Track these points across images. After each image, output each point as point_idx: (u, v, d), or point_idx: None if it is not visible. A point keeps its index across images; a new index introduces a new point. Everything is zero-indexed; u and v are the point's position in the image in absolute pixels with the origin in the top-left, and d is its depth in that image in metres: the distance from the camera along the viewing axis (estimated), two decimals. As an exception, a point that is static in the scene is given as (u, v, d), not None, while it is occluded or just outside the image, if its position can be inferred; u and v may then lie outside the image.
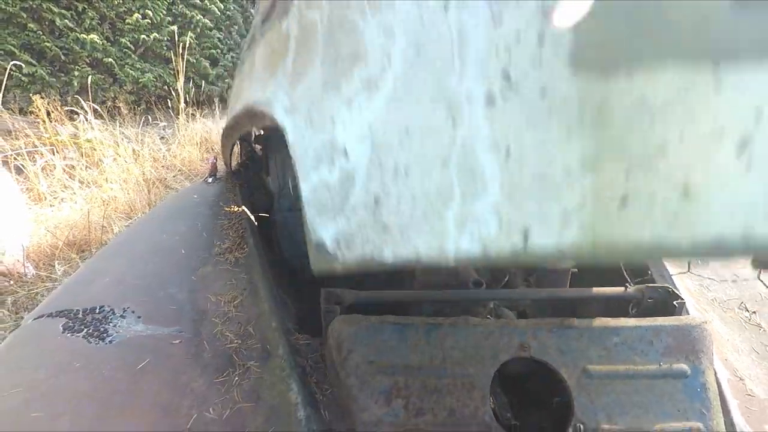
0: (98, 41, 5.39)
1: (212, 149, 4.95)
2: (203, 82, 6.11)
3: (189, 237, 1.56)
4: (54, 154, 3.95)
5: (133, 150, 4.23)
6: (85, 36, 5.28)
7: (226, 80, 6.54)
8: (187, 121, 5.09)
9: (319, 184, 0.49)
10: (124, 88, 5.60)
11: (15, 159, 3.65)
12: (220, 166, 2.33)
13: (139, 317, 1.13)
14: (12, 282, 2.41)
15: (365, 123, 0.44)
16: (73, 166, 3.92)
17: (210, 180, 2.09)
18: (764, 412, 1.19)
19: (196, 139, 4.97)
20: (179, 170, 4.55)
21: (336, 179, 0.47)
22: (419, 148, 0.39)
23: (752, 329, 1.52)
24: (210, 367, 1.03)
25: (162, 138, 5.06)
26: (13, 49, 4.84)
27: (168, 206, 1.88)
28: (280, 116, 0.60)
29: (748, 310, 1.59)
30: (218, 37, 6.91)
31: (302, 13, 0.60)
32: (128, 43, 5.75)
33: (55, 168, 3.82)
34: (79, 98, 4.03)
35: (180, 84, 4.78)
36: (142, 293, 1.22)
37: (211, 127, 5.31)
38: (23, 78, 4.98)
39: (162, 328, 1.11)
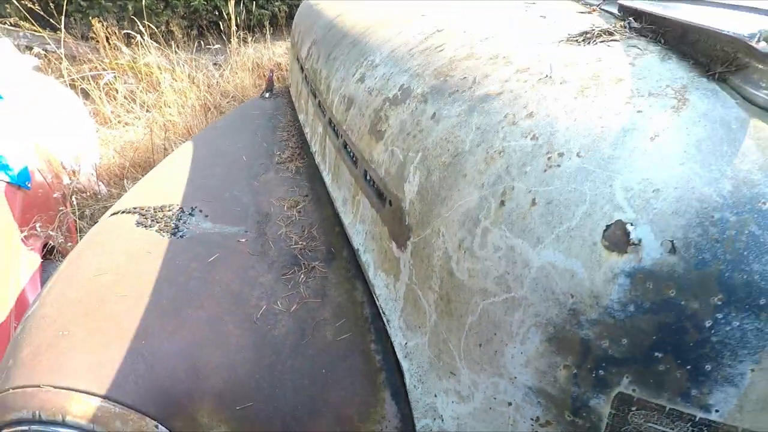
0: (149, -38, 5.29)
1: (264, 75, 4.88)
2: (253, 4, 5.93)
3: (250, 146, 1.55)
4: (115, 79, 4.05)
5: (188, 75, 4.26)
6: (136, -43, 5.19)
7: (276, 3, 6.31)
8: (239, 46, 5.01)
9: (426, 426, 0.70)
10: (177, 12, 5.55)
11: (81, 83, 3.78)
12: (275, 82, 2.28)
13: (206, 216, 1.14)
14: (87, 196, 2.57)
15: (455, 414, 0.65)
16: (132, 91, 4.02)
17: (267, 95, 2.05)
18: None
19: (249, 65, 4.91)
20: (232, 96, 4.55)
21: (436, 431, 0.69)
22: None
23: None
24: (276, 265, 1.04)
25: (215, 64, 5.04)
26: (69, -29, 4.85)
27: (228, 119, 1.87)
28: (397, 348, 0.80)
29: None
30: (266, -43, 6.59)
31: (414, 287, 0.76)
32: (178, -36, 5.61)
33: (117, 92, 3.93)
34: (135, 19, 4.04)
35: (231, 5, 4.66)
36: (209, 194, 1.23)
37: (263, 52, 5.21)
38: (82, 3, 5.04)
39: (229, 227, 1.12)
